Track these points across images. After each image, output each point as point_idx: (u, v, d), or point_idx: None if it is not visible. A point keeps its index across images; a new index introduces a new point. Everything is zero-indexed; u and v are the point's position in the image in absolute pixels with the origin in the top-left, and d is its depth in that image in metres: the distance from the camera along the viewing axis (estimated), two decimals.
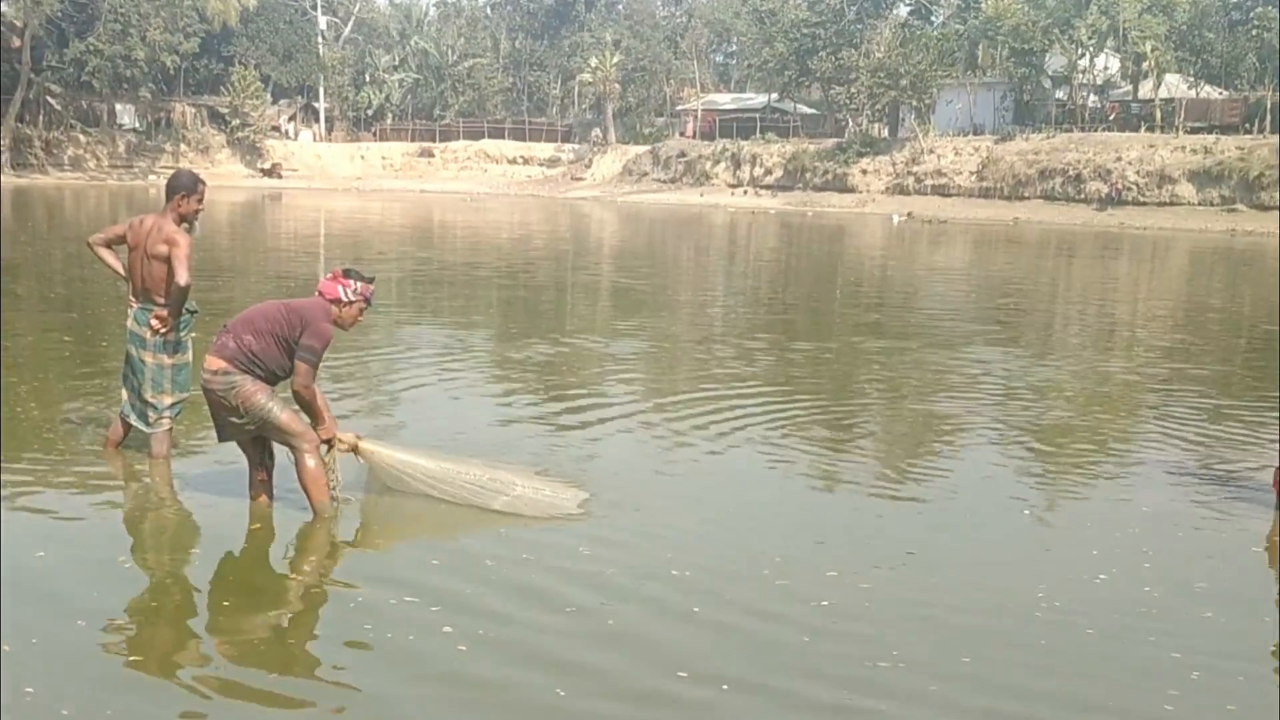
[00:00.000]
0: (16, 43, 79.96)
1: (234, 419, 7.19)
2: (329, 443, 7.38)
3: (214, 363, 7.16)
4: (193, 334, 8.59)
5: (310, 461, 7.21)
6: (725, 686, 5.24)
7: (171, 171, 9.62)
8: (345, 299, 7.35)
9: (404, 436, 9.52)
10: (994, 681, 5.44)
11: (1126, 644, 5.91)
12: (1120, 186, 62.76)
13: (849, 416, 11.52)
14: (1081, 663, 5.66)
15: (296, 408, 7.33)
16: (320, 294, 7.32)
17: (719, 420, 10.80)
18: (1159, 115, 67.09)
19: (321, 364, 7.28)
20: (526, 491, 7.70)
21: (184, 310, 8.35)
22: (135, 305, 8.39)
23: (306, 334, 7.10)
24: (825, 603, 6.25)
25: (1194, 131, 64.62)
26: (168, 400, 8.36)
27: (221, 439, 7.48)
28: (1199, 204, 59.96)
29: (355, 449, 7.51)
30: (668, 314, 20.07)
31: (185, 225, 8.39)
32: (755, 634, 5.86)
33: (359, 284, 7.39)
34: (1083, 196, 64.30)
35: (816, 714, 5.07)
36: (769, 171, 79.80)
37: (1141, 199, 61.74)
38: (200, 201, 8.46)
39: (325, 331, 7.16)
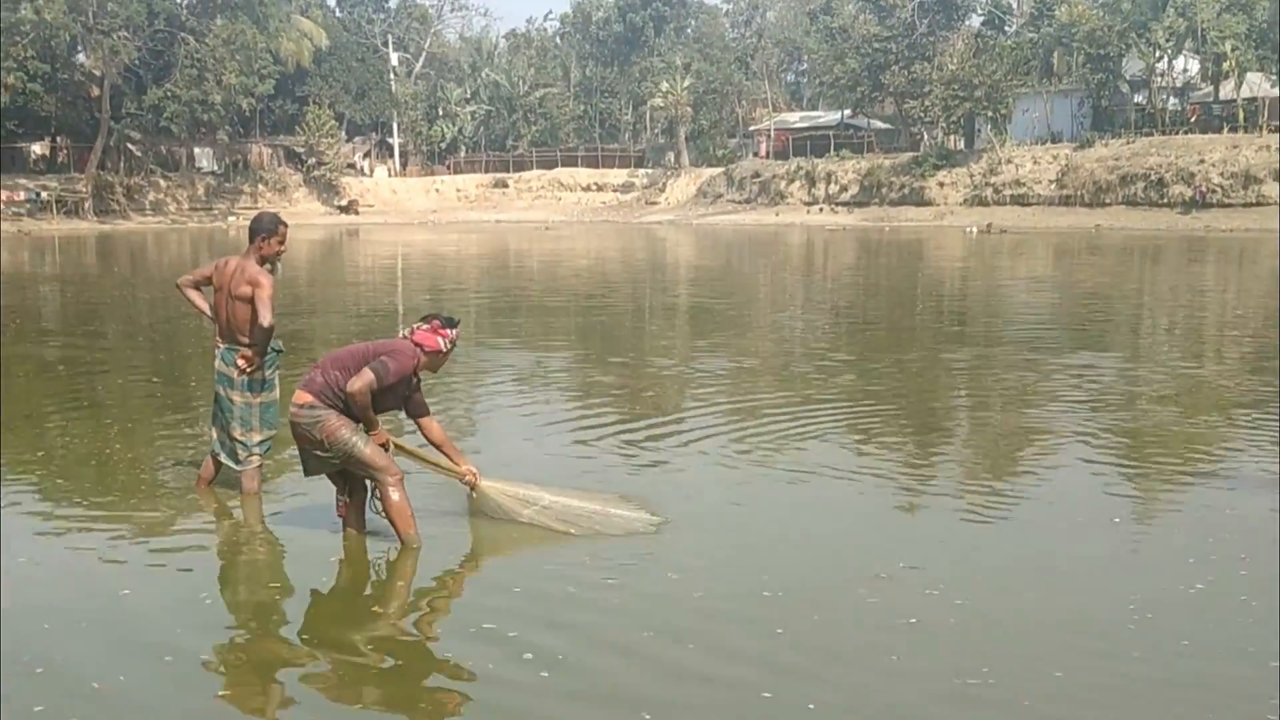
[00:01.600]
0: (95, 91, 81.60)
1: (319, 452, 7.28)
2: (384, 447, 7.41)
3: (302, 397, 7.23)
4: (279, 371, 8.64)
5: (395, 495, 7.26)
6: (812, 706, 5.20)
7: (251, 212, 9.75)
8: (445, 349, 7.49)
9: (483, 462, 9.51)
10: (1086, 696, 5.32)
11: (1222, 655, 5.78)
12: (1205, 189, 61.90)
13: (934, 431, 11.40)
14: (1176, 674, 5.57)
15: (383, 445, 7.38)
16: (419, 345, 7.38)
17: (801, 437, 10.72)
18: (1242, 115, 66.21)
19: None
20: (605, 514, 7.75)
21: (269, 349, 8.40)
22: (222, 345, 8.47)
23: (387, 356, 7.23)
24: (913, 620, 6.16)
25: (1278, 130, 63.57)
26: (256, 437, 8.44)
27: (307, 473, 7.58)
28: None
29: (474, 486, 7.71)
30: (747, 333, 19.97)
31: (268, 266, 8.45)
32: (843, 654, 5.82)
33: (453, 331, 7.54)
34: (1166, 201, 63.48)
35: None
36: (844, 188, 79.52)
37: (1227, 201, 60.86)
38: (282, 243, 8.53)
39: (406, 366, 7.28)
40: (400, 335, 7.50)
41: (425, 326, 7.45)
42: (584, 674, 5.52)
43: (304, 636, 6.17)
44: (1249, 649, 5.81)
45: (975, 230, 59.53)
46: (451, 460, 7.76)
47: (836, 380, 14.42)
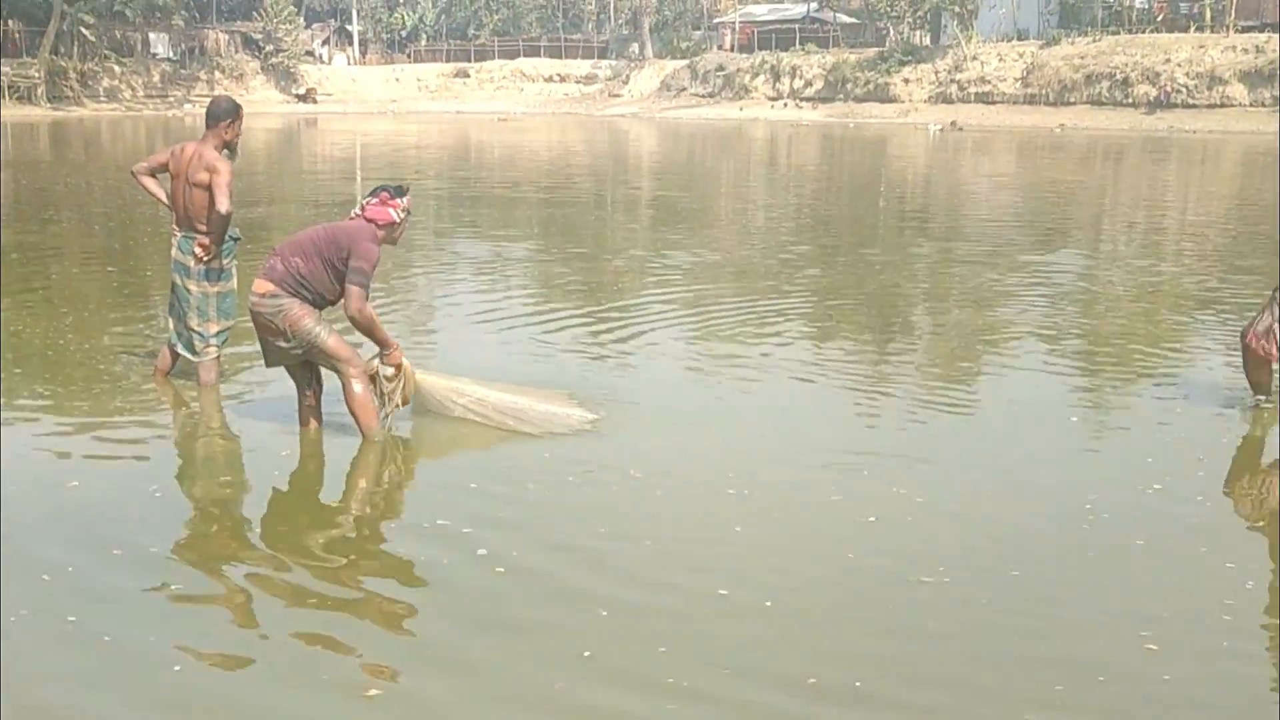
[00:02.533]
0: None
1: (281, 343, 7.16)
2: (398, 366, 7.37)
3: (262, 285, 7.11)
4: (236, 261, 8.52)
5: (358, 387, 7.18)
6: (769, 604, 5.21)
7: (209, 99, 9.54)
8: (398, 219, 7.32)
9: (436, 357, 9.51)
10: (1041, 595, 5.35)
11: (1175, 556, 5.84)
12: (1169, 89, 61.85)
13: (894, 328, 11.44)
14: (1130, 574, 5.61)
15: (345, 332, 7.29)
16: (372, 220, 7.22)
17: (761, 334, 10.77)
18: (1209, 14, 65.96)
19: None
20: (540, 410, 7.66)
21: (227, 237, 8.29)
22: (179, 234, 8.35)
23: (354, 256, 7.02)
24: (872, 518, 6.17)
25: (1245, 30, 63.50)
26: (214, 328, 8.34)
27: (269, 364, 7.46)
28: (1250, 105, 59.10)
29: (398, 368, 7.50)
30: (707, 227, 19.90)
31: (226, 152, 8.31)
32: (800, 551, 5.83)
33: (404, 200, 7.37)
34: (1130, 101, 63.44)
35: (865, 635, 5.01)
36: (809, 83, 79.03)
37: (1191, 101, 60.86)
38: (238, 126, 8.38)
39: (372, 253, 7.09)
40: (351, 215, 7.34)
41: (374, 200, 7.27)
42: (538, 574, 5.48)
43: (258, 533, 6.11)
44: (1201, 549, 5.85)
45: (937, 129, 59.34)
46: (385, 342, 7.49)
47: (796, 276, 14.45)
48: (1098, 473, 7.02)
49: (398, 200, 7.31)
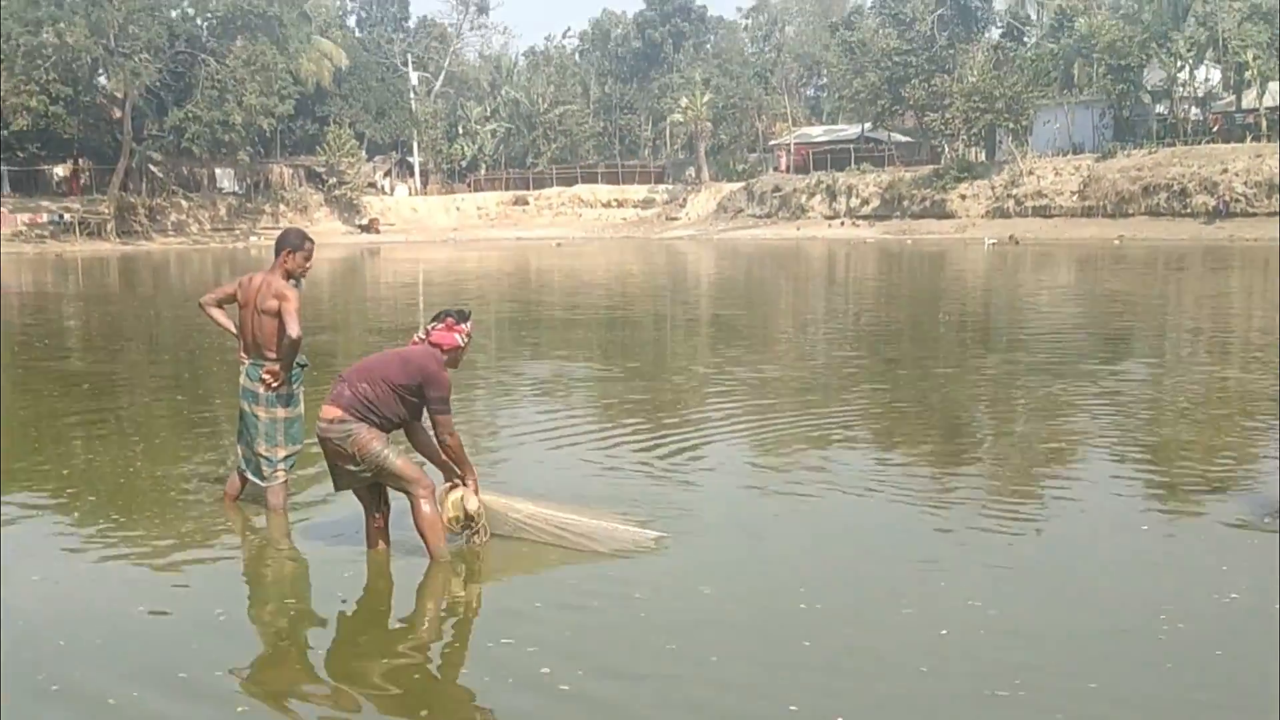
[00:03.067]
0: (117, 113, 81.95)
1: (350, 466, 7.24)
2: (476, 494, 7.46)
3: (330, 411, 7.21)
4: (303, 387, 8.61)
5: (426, 507, 7.23)
6: (840, 719, 5.13)
7: (273, 232, 9.76)
8: (463, 344, 7.45)
9: (506, 474, 9.57)
10: (1120, 707, 5.25)
11: (1256, 666, 5.69)
12: (1228, 199, 61.70)
13: (959, 443, 11.35)
14: (1209, 686, 5.50)
15: (411, 453, 7.39)
16: (437, 344, 7.33)
17: (825, 449, 10.72)
18: (1264, 124, 65.92)
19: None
20: (609, 530, 7.64)
21: (295, 364, 8.39)
22: (247, 361, 8.46)
23: (430, 386, 7.17)
24: (944, 631, 6.10)
25: None
26: (281, 453, 8.42)
27: (338, 488, 7.54)
28: None
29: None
30: (768, 344, 19.91)
31: (293, 281, 8.45)
32: (871, 666, 5.75)
33: (467, 325, 7.50)
34: (1189, 211, 63.28)
35: None
36: (865, 201, 79.50)
37: (1250, 210, 60.64)
38: (308, 259, 8.55)
39: (445, 379, 7.22)
40: (414, 340, 7.45)
41: (440, 326, 7.39)
42: (603, 698, 5.43)
43: (322, 659, 6.09)
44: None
45: (992, 242, 59.39)
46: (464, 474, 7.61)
47: (858, 390, 14.43)
48: (1172, 582, 6.92)
49: (462, 326, 7.43)
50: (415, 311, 29.01)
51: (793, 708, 5.20)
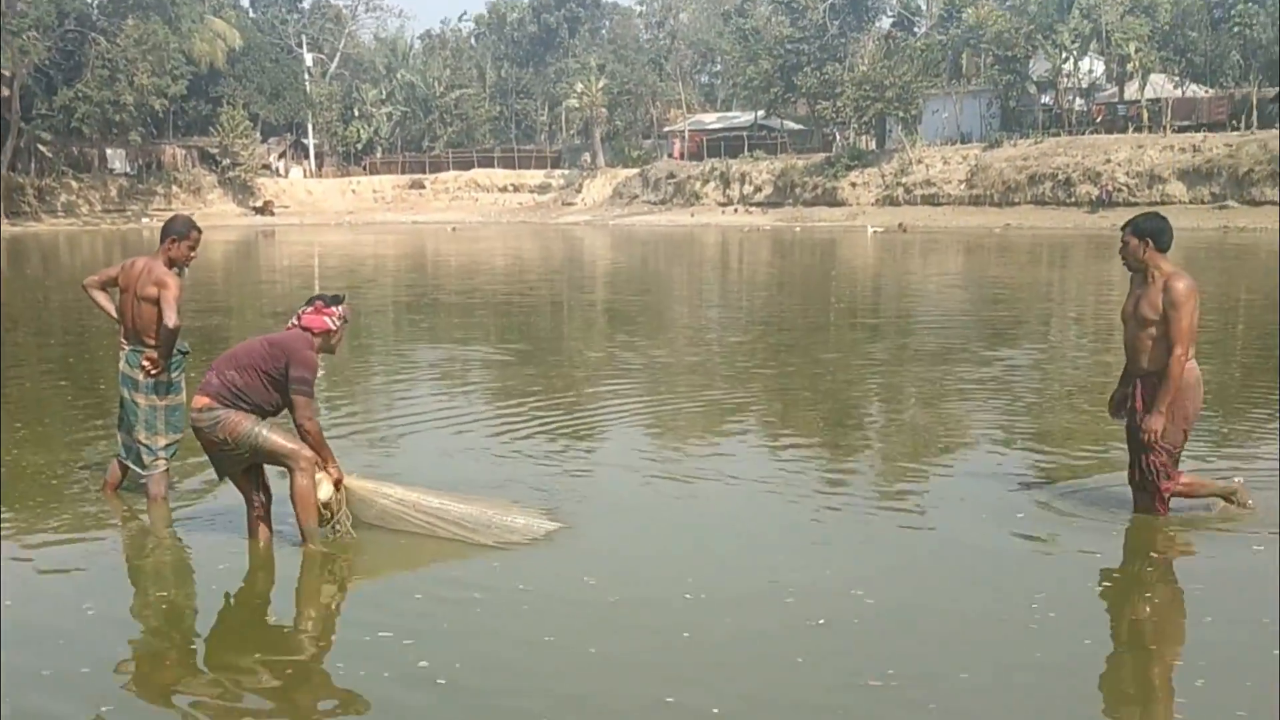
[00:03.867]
0: (5, 92, 79.99)
1: (225, 451, 7.20)
2: (338, 483, 7.38)
3: (199, 401, 7.18)
4: (184, 375, 8.57)
5: (302, 480, 7.17)
6: (716, 710, 5.16)
7: (166, 214, 9.74)
8: (333, 327, 7.40)
9: (400, 459, 9.67)
10: (990, 696, 5.38)
11: (1129, 655, 5.89)
12: (1111, 188, 62.99)
13: (847, 429, 11.52)
14: (1079, 677, 5.62)
15: (287, 427, 7.34)
16: (308, 328, 7.32)
17: (715, 437, 10.88)
18: (1146, 116, 67.39)
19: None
20: (498, 520, 7.59)
21: (175, 351, 8.35)
22: (127, 347, 8.40)
23: (294, 366, 7.10)
24: (822, 621, 6.17)
25: (1181, 130, 64.97)
26: (161, 441, 8.34)
27: (220, 476, 7.50)
28: (1190, 202, 60.21)
29: (338, 484, 7.48)
30: (662, 331, 20.03)
31: (176, 269, 8.42)
32: (749, 657, 5.80)
33: (339, 308, 7.44)
34: (1073, 200, 64.55)
35: None
36: (759, 189, 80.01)
37: (1132, 199, 61.83)
38: (193, 249, 8.48)
39: (311, 360, 7.18)
40: (288, 325, 7.43)
41: (309, 309, 7.36)
42: (480, 687, 5.44)
43: (197, 651, 6.06)
44: (1151, 647, 5.90)
45: (875, 230, 60.12)
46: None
47: (751, 377, 14.60)
48: (1046, 571, 7.05)
49: (332, 308, 7.38)
50: (310, 292, 28.75)
51: (669, 699, 5.23)
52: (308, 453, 7.22)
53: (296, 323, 7.36)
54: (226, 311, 24.15)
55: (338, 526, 7.41)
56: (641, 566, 7.11)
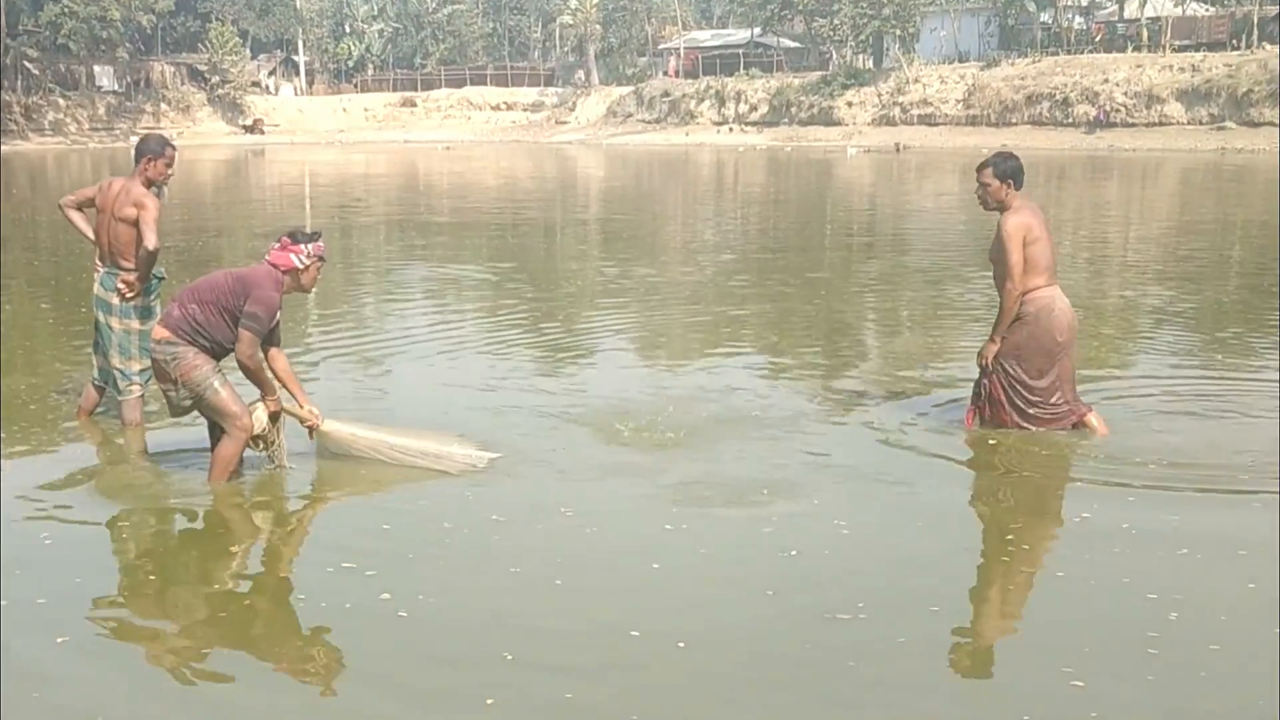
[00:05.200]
0: None
1: (170, 391, 7.02)
2: (275, 416, 7.22)
3: (159, 332, 7.01)
4: (160, 299, 8.40)
5: (231, 448, 7.02)
6: (681, 644, 5.06)
7: (158, 131, 9.47)
8: (301, 265, 7.14)
9: (380, 385, 9.62)
10: (960, 628, 5.31)
11: (1103, 586, 5.76)
12: (1108, 109, 62.59)
13: (837, 352, 11.41)
14: (1054, 608, 5.55)
15: (243, 381, 7.17)
16: (273, 265, 7.11)
17: (706, 361, 10.76)
18: (1145, 35, 66.80)
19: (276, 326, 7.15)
20: (447, 452, 7.49)
21: (151, 275, 8.20)
22: (102, 269, 8.26)
23: (251, 301, 6.88)
24: (794, 553, 6.07)
25: (1181, 50, 64.45)
26: (136, 366, 8.18)
27: (170, 413, 7.32)
28: (1188, 123, 59.92)
29: (315, 429, 7.39)
30: (657, 253, 19.91)
31: (154, 189, 8.25)
32: (717, 589, 5.69)
33: (309, 245, 7.17)
34: (1071, 121, 64.17)
35: (780, 677, 4.93)
36: (754, 108, 79.54)
37: (1130, 120, 61.62)
38: (169, 166, 8.33)
39: (271, 299, 6.95)
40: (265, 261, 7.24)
41: (276, 245, 7.16)
42: (444, 619, 5.34)
43: (162, 580, 5.93)
44: (1124, 580, 5.74)
45: (855, 151, 59.87)
46: (295, 400, 7.41)
47: (744, 298, 14.56)
48: (1025, 501, 6.96)
49: (300, 245, 7.12)
50: (302, 215, 28.60)
51: (635, 633, 5.14)
52: (246, 422, 7.04)
53: (267, 259, 7.15)
54: (216, 232, 23.96)
55: (274, 457, 7.29)
56: (618, 499, 6.93)
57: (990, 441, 7.91)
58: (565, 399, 9.30)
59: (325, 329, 12.40)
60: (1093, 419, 8.00)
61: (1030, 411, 7.92)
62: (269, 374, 7.15)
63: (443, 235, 23.53)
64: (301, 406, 7.39)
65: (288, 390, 7.37)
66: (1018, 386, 7.91)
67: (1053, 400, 7.93)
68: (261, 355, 6.99)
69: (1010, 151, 8.19)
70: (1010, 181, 7.77)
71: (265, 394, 7.14)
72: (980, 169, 7.90)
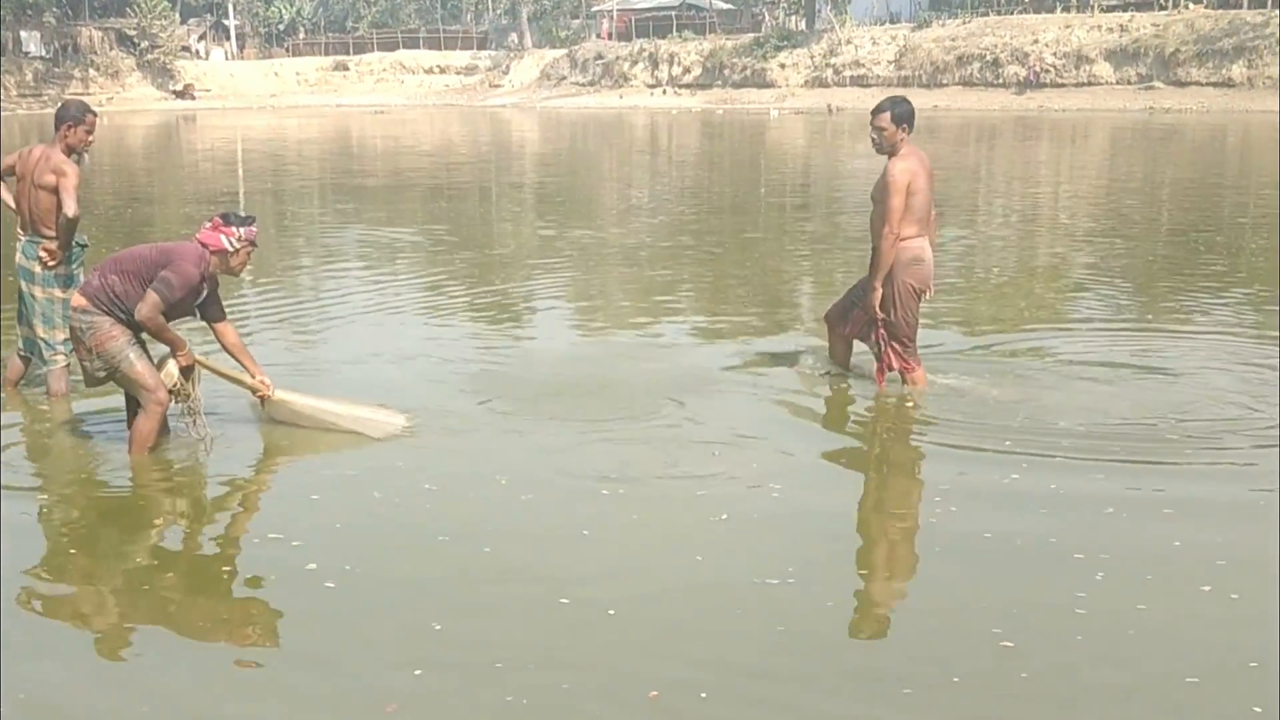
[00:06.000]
0: None
1: (86, 362, 6.92)
2: (188, 370, 7.10)
3: (78, 300, 6.91)
4: (83, 267, 8.31)
5: (148, 423, 6.92)
6: (611, 611, 5.05)
7: (86, 98, 9.35)
8: (231, 248, 7.05)
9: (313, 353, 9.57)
10: (888, 595, 5.36)
11: (1028, 551, 5.83)
12: (1038, 69, 62.96)
13: (775, 316, 11.43)
14: (979, 572, 5.59)
15: (155, 358, 7.07)
16: (202, 244, 7.01)
17: (638, 320, 10.78)
18: None
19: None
20: (372, 416, 7.48)
21: (74, 243, 8.11)
22: (24, 238, 8.17)
23: (169, 269, 6.78)
24: (725, 516, 6.08)
25: (1109, 10, 64.82)
26: (60, 336, 8.07)
27: (86, 384, 7.21)
28: (1116, 83, 60.43)
29: (266, 399, 7.35)
30: (592, 219, 19.86)
31: (74, 156, 8.16)
32: (651, 555, 5.68)
33: (242, 229, 7.07)
34: (1001, 81, 64.55)
35: (709, 642, 4.94)
36: (687, 70, 79.31)
37: (1060, 81, 62.06)
38: (90, 132, 8.25)
39: (189, 274, 6.84)
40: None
41: (209, 225, 7.06)
42: (371, 586, 5.30)
43: (88, 551, 5.88)
44: (1051, 540, 5.77)
45: (777, 114, 60.07)
46: (248, 370, 7.36)
47: (680, 259, 14.61)
48: (954, 465, 6.87)
49: (231, 228, 7.02)
50: (234, 181, 28.32)
51: (564, 600, 5.12)
52: (163, 395, 6.94)
53: (197, 237, 7.05)
54: (146, 199, 23.70)
55: (191, 411, 7.18)
56: (556, 462, 6.89)
57: (908, 404, 7.96)
58: (501, 365, 9.30)
59: (260, 294, 12.32)
60: (920, 372, 8.19)
61: (902, 353, 8.10)
62: (174, 331, 6.97)
63: (376, 199, 23.39)
64: (254, 376, 7.33)
65: (239, 362, 7.34)
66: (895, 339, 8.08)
67: (910, 345, 8.12)
68: (163, 319, 6.84)
69: (903, 96, 8.29)
70: (904, 125, 7.86)
71: (175, 349, 7.01)
72: (876, 113, 7.95)
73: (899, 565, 5.55)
